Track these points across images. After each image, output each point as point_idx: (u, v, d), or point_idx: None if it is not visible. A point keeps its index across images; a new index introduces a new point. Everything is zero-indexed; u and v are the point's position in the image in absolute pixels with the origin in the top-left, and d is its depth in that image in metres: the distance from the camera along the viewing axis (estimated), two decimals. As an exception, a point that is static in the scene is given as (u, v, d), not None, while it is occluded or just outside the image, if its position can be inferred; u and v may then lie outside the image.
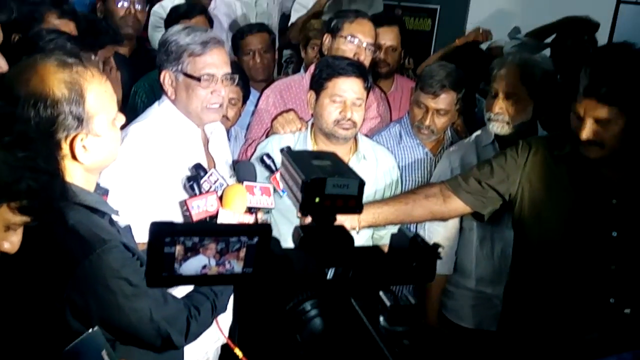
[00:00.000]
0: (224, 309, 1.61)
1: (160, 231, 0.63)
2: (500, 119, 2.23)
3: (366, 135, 2.57)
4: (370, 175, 2.28)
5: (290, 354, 0.71)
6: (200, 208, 1.72)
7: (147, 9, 3.24)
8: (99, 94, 1.38)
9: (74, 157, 1.36)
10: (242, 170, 1.93)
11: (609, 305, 1.82)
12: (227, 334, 1.91)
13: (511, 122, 2.22)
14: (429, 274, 0.71)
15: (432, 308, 2.48)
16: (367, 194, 2.24)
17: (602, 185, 1.84)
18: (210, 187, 1.80)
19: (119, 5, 3.10)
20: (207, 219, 1.71)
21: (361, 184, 0.74)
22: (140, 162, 1.84)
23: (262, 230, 0.67)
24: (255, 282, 0.69)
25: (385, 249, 2.18)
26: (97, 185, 1.51)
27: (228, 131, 2.60)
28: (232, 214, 1.73)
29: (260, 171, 2.00)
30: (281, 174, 0.82)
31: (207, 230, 0.65)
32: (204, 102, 1.94)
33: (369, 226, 2.03)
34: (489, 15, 5.26)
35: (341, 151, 2.28)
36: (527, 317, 1.98)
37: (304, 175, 0.73)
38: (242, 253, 0.67)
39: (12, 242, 1.08)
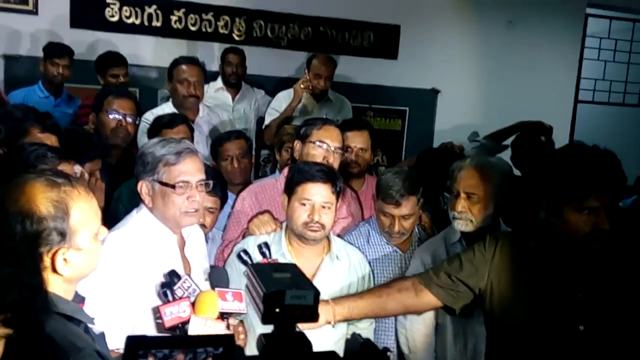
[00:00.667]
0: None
1: (135, 344, 0.70)
2: (463, 217, 2.36)
3: (338, 235, 2.68)
4: (343, 274, 2.37)
5: None
6: (173, 314, 1.76)
7: (137, 121, 3.37)
8: (84, 210, 1.47)
9: (54, 269, 1.43)
10: (214, 276, 2.00)
11: None
12: None
13: (474, 220, 2.35)
14: (379, 375, 0.79)
15: None
16: (341, 291, 2.31)
17: (566, 279, 1.92)
18: (184, 293, 1.84)
19: (111, 117, 3.21)
20: (180, 325, 1.75)
21: (316, 294, 0.83)
22: (116, 270, 1.90)
23: (226, 341, 0.74)
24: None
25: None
26: (75, 293, 1.57)
27: (206, 234, 2.68)
28: (204, 320, 1.77)
29: (237, 269, 2.07)
30: (246, 286, 0.91)
31: (176, 342, 0.72)
32: (180, 207, 2.04)
33: (345, 320, 2.08)
34: (455, 114, 5.61)
35: (314, 251, 2.39)
36: None
37: (265, 288, 0.82)
38: (208, 362, 0.74)
39: None
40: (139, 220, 2.08)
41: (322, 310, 1.97)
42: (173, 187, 2.03)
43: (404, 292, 2.07)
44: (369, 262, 2.53)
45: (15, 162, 1.89)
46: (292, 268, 0.90)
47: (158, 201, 2.05)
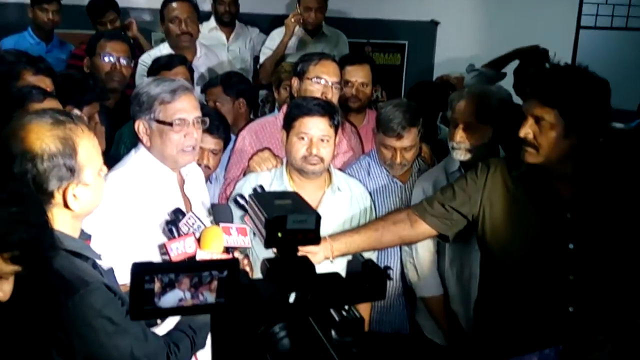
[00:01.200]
0: (203, 346, 1.70)
1: (141, 270, 0.72)
2: (462, 147, 2.37)
3: (339, 169, 2.69)
4: (345, 205, 2.40)
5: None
6: (179, 250, 1.80)
7: (132, 63, 3.33)
8: (88, 147, 1.53)
9: (65, 205, 1.48)
10: (218, 213, 2.03)
11: (568, 314, 1.92)
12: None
13: (472, 149, 2.36)
14: (380, 292, 0.81)
15: (445, 330, 2.58)
16: (343, 223, 2.35)
17: (557, 200, 1.96)
18: (189, 229, 1.88)
19: (105, 60, 3.19)
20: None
21: (318, 218, 0.84)
22: (120, 208, 1.93)
23: (231, 265, 0.76)
24: (228, 311, 0.78)
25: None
26: (81, 231, 1.61)
27: (209, 175, 2.70)
28: (210, 255, 1.82)
29: (236, 212, 2.10)
30: (249, 215, 0.92)
31: (181, 267, 0.74)
32: (178, 145, 2.05)
33: (343, 255, 2.13)
34: (454, 46, 5.50)
35: (316, 185, 2.41)
36: (495, 332, 2.08)
37: (266, 214, 0.83)
38: (214, 285, 0.77)
39: (4, 291, 1.17)
40: (138, 159, 2.10)
41: (320, 247, 2.02)
42: (170, 124, 2.03)
43: (399, 224, 2.12)
44: (370, 194, 2.56)
45: (9, 107, 1.90)
46: (293, 195, 0.91)
47: (156, 140, 2.06)
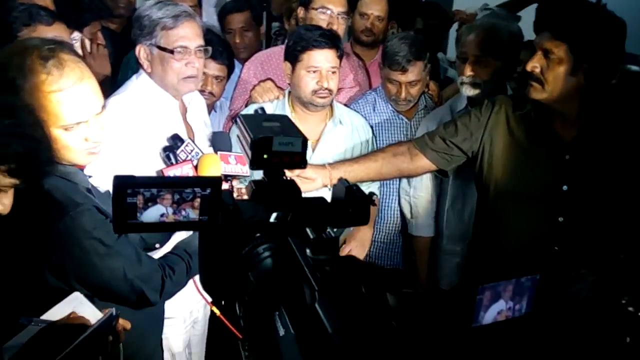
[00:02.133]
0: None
1: (122, 183, 0.72)
2: (470, 82, 2.33)
3: (345, 104, 2.66)
4: (346, 137, 2.40)
5: (244, 290, 0.81)
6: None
7: None
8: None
9: None
10: (217, 141, 2.02)
11: (554, 253, 1.95)
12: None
13: (481, 84, 2.32)
14: (364, 218, 0.81)
15: (422, 271, 2.61)
16: (344, 154, 2.35)
17: (556, 141, 1.95)
18: (187, 156, 1.88)
19: None
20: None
21: (304, 141, 0.84)
22: (120, 133, 1.91)
23: (213, 182, 0.76)
24: (210, 229, 0.78)
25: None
26: None
27: (213, 103, 2.68)
28: None
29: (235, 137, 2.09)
30: (237, 136, 0.91)
31: (164, 182, 0.74)
32: (179, 74, 2.01)
33: None
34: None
35: (318, 117, 2.39)
36: (484, 269, 2.11)
37: (252, 135, 0.83)
38: (197, 203, 0.77)
39: (3, 204, 1.18)
40: (139, 85, 2.07)
41: (320, 173, 2.03)
42: (171, 52, 1.99)
43: (399, 156, 2.12)
44: (372, 128, 2.54)
45: (5, 25, 1.86)
46: (283, 118, 0.90)
47: (157, 66, 2.02)
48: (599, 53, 1.81)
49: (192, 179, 0.78)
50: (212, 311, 2.28)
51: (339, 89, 2.61)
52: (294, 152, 0.84)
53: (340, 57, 2.31)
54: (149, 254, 1.69)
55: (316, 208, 0.81)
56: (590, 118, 1.91)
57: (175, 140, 1.94)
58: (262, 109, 2.19)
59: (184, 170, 1.84)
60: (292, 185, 0.85)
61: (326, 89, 2.27)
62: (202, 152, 1.91)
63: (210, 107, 2.63)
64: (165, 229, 0.77)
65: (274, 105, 2.43)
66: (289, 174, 2.20)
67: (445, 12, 3.62)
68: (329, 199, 0.87)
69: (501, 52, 2.31)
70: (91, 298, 1.46)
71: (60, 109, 1.41)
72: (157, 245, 1.81)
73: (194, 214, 0.77)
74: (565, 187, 1.93)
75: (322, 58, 2.26)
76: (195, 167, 1.86)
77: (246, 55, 3.19)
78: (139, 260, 1.55)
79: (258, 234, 0.82)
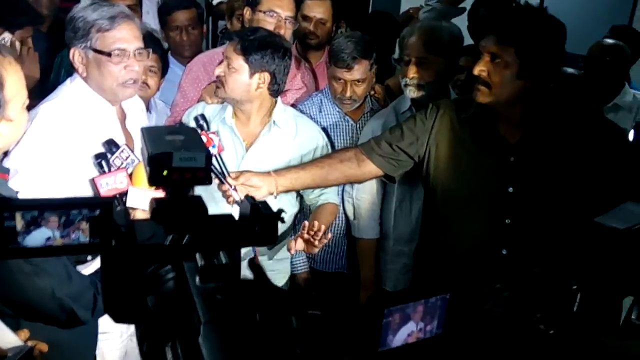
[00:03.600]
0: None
1: (-3, 207, 0.67)
2: (414, 83, 2.33)
3: (293, 105, 2.62)
4: (284, 143, 2.33)
5: (141, 316, 0.76)
6: (109, 185, 1.74)
7: None
8: (15, 81, 1.43)
9: None
10: None
11: (501, 257, 1.96)
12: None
13: (425, 85, 2.33)
14: (271, 236, 0.77)
15: (366, 274, 2.57)
16: (283, 162, 2.30)
17: (501, 144, 1.96)
18: (122, 163, 1.81)
19: None
20: (118, 196, 1.73)
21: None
22: (51, 141, 1.83)
23: (103, 204, 0.71)
24: (102, 252, 0.73)
25: (324, 211, 2.23)
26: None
27: (148, 101, 2.60)
28: (143, 191, 1.75)
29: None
30: (141, 149, 0.86)
31: (45, 204, 0.69)
32: (118, 78, 1.93)
33: (287, 191, 2.12)
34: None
35: (257, 121, 2.33)
36: (433, 273, 2.11)
37: (151, 149, 0.78)
38: (85, 225, 0.72)
39: None
40: (73, 90, 1.98)
41: (265, 181, 1.99)
42: (109, 55, 1.91)
43: (346, 162, 2.09)
44: (324, 133, 2.49)
45: None
46: (188, 131, 0.85)
47: (93, 71, 1.94)
48: (544, 56, 1.84)
49: (79, 200, 0.72)
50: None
51: (286, 91, 2.57)
52: (196, 167, 0.79)
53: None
54: (81, 267, 1.62)
55: (221, 227, 0.77)
56: (534, 120, 1.93)
57: (110, 146, 1.87)
58: (203, 115, 2.16)
59: (118, 178, 1.77)
60: (198, 203, 0.80)
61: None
62: (138, 159, 1.84)
63: (146, 106, 2.55)
64: (53, 254, 0.72)
65: (219, 106, 2.37)
66: (233, 182, 2.12)
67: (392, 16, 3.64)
68: (274, 207, 0.83)
69: (443, 52, 2.32)
70: (16, 319, 1.39)
71: None
72: (89, 258, 1.73)
73: (83, 237, 0.72)
74: (511, 189, 1.94)
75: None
76: (130, 175, 1.80)
77: (190, 53, 3.14)
78: (69, 277, 1.48)
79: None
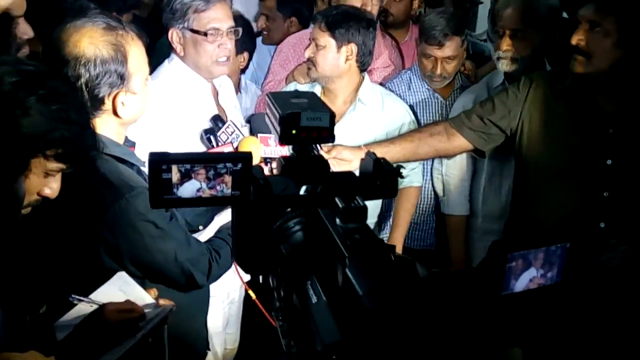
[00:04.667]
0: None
1: (157, 159, 0.75)
2: (508, 57, 2.28)
3: (381, 84, 2.65)
4: (370, 120, 2.37)
5: (276, 263, 0.83)
6: (217, 160, 1.84)
7: None
8: (138, 55, 1.54)
9: (114, 112, 1.52)
10: (256, 123, 2.06)
11: (599, 229, 1.91)
12: (245, 277, 2.06)
13: (519, 58, 2.26)
14: (392, 190, 0.83)
15: (455, 251, 2.57)
16: (369, 139, 2.34)
17: (599, 115, 1.91)
18: (227, 138, 1.92)
19: None
20: None
21: (332, 116, 0.85)
22: (158, 119, 1.96)
23: (244, 158, 0.79)
24: (242, 203, 0.81)
25: (411, 192, 2.25)
26: (126, 138, 1.66)
27: (239, 82, 2.71)
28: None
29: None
30: (266, 114, 0.93)
31: (197, 158, 0.77)
32: (212, 56, 2.05)
33: None
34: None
35: (343, 99, 2.38)
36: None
37: (281, 111, 0.85)
38: (229, 178, 0.80)
39: (52, 188, 1.22)
40: (172, 69, 2.11)
41: (356, 154, 2.03)
42: (205, 34, 2.02)
43: (436, 136, 2.10)
44: (412, 109, 2.51)
45: (56, 15, 1.92)
46: (310, 94, 0.92)
47: (190, 49, 2.06)
48: None
49: (223, 155, 0.81)
50: (246, 293, 2.34)
51: (371, 69, 2.61)
52: (321, 126, 0.85)
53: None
54: (195, 235, 1.74)
55: (345, 181, 0.83)
56: (634, 91, 1.86)
57: (217, 122, 1.98)
58: (297, 90, 2.25)
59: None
60: (321, 160, 0.87)
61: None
62: (242, 134, 1.95)
63: (237, 86, 2.66)
64: (200, 204, 0.80)
65: (310, 86, 2.45)
66: (326, 156, 2.21)
67: None
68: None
69: (540, 26, 2.25)
70: (142, 280, 1.52)
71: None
72: (201, 228, 1.85)
73: (227, 189, 0.80)
74: (609, 162, 1.89)
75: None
76: (235, 150, 1.90)
77: (270, 40, 3.21)
78: (188, 243, 1.59)
79: (289, 209, 0.84)
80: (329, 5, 2.80)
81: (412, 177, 2.44)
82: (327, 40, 2.26)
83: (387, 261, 0.65)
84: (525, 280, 0.71)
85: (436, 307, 0.58)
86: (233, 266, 1.75)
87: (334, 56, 2.27)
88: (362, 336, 0.58)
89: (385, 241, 2.55)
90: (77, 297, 1.36)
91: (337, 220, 0.70)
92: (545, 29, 2.27)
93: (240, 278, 1.88)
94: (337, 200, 0.70)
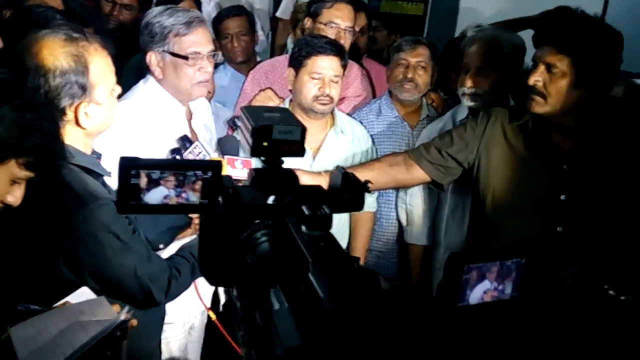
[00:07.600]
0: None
1: (127, 164, 0.76)
2: (472, 93, 2.36)
3: (348, 114, 2.70)
4: (347, 147, 2.43)
5: (242, 274, 0.84)
6: (183, 179, 1.84)
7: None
8: (101, 65, 1.53)
9: (77, 122, 1.51)
10: (225, 144, 2.06)
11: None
12: (207, 300, 2.04)
13: (482, 94, 2.35)
14: (358, 203, 0.84)
15: (415, 279, 2.62)
16: (346, 162, 2.37)
17: (554, 152, 1.97)
18: (194, 158, 1.92)
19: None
20: None
21: (303, 130, 0.87)
22: (127, 136, 1.95)
23: (214, 166, 0.80)
24: (210, 212, 0.82)
25: (366, 217, 2.28)
26: (92, 150, 1.65)
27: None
28: None
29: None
30: (240, 127, 0.95)
31: (167, 165, 0.78)
32: (192, 79, 2.05)
33: None
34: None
35: (319, 125, 2.42)
36: None
37: (254, 123, 0.86)
38: (198, 186, 0.80)
39: (15, 196, 1.21)
40: (147, 90, 2.11)
41: (317, 181, 2.04)
42: (185, 58, 2.02)
43: (395, 167, 2.14)
44: (374, 137, 2.58)
45: (25, 23, 1.92)
46: (283, 110, 0.94)
47: (169, 73, 2.06)
48: (601, 65, 1.84)
49: (194, 162, 0.81)
50: (209, 317, 2.32)
51: (342, 98, 2.66)
52: (293, 140, 0.87)
53: (343, 67, 2.36)
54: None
55: (313, 193, 0.85)
56: (589, 129, 1.94)
57: (184, 142, 1.98)
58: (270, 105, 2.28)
59: (189, 173, 1.87)
60: (291, 173, 0.88)
61: (327, 95, 2.31)
62: (209, 154, 1.95)
63: None
64: (167, 211, 0.80)
65: None
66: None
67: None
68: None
69: (502, 65, 2.34)
70: (99, 294, 1.49)
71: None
72: (161, 246, 1.83)
73: (195, 197, 0.81)
74: (563, 197, 1.95)
75: (326, 65, 2.30)
76: (200, 170, 1.89)
77: (242, 58, 3.26)
78: (149, 258, 1.57)
79: (257, 220, 0.85)
80: (303, 34, 2.86)
81: (367, 202, 2.47)
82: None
83: (351, 268, 0.66)
84: (480, 292, 0.73)
85: (397, 311, 0.59)
86: (194, 290, 1.74)
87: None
88: (322, 339, 0.59)
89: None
90: (23, 304, 1.32)
91: (303, 228, 0.71)
92: (509, 66, 2.35)
93: (202, 302, 1.87)
94: (303, 208, 0.71)
